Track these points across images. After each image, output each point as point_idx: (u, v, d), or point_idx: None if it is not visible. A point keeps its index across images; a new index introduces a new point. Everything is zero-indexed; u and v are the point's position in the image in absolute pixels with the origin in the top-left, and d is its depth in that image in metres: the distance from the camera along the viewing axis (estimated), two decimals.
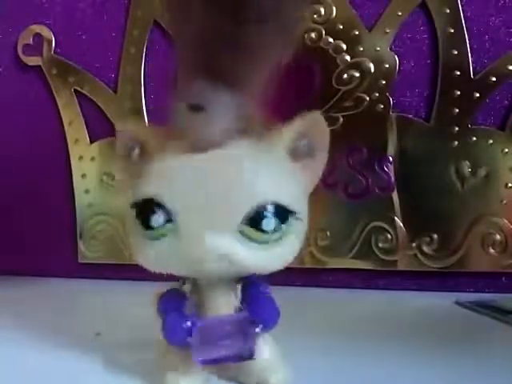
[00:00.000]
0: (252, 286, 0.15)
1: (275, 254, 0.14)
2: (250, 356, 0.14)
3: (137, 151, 0.15)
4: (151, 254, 0.14)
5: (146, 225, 0.13)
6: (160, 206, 0.13)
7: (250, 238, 0.13)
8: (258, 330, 0.14)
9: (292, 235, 0.14)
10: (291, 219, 0.14)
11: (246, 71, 0.12)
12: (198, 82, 0.12)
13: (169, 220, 0.13)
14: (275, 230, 0.13)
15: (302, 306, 0.27)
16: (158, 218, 0.13)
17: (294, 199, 0.14)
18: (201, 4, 0.12)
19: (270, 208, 0.13)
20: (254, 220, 0.13)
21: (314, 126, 0.15)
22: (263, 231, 0.13)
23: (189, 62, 0.13)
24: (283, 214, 0.13)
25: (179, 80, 0.13)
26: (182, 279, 0.15)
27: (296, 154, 0.15)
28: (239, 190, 0.13)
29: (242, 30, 0.12)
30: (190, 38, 0.13)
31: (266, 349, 0.15)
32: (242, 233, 0.13)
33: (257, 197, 0.13)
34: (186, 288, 0.15)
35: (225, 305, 0.15)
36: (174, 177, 0.13)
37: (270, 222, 0.13)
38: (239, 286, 0.15)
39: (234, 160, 0.13)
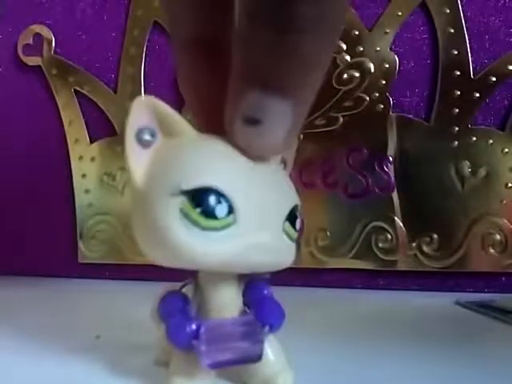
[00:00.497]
0: (255, 288, 0.15)
1: (293, 251, 0.14)
2: (258, 358, 0.14)
3: (154, 130, 0.14)
4: (204, 246, 0.12)
5: (211, 214, 0.12)
6: (223, 196, 0.12)
7: (289, 236, 0.14)
8: (265, 331, 0.14)
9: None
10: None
11: (298, 79, 0.12)
12: (253, 93, 0.12)
13: (230, 212, 0.13)
14: (297, 230, 0.14)
15: (302, 305, 0.27)
16: (222, 209, 0.12)
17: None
18: (244, 16, 0.12)
19: (298, 209, 0.14)
20: (292, 218, 0.14)
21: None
22: (296, 230, 0.14)
23: (239, 73, 0.13)
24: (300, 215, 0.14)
25: (230, 93, 0.13)
26: (184, 281, 0.15)
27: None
28: (283, 190, 0.14)
29: (289, 38, 0.11)
30: (239, 51, 0.12)
31: (270, 350, 0.15)
32: (284, 230, 0.14)
33: (293, 198, 0.14)
34: (187, 290, 0.15)
35: (228, 307, 0.14)
36: (231, 169, 0.13)
37: (298, 222, 0.14)
38: (242, 288, 0.15)
39: (268, 164, 0.14)
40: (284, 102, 0.12)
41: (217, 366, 0.14)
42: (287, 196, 0.14)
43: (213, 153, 0.13)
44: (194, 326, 0.14)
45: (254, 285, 0.15)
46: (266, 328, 0.14)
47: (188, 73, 0.15)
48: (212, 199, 0.12)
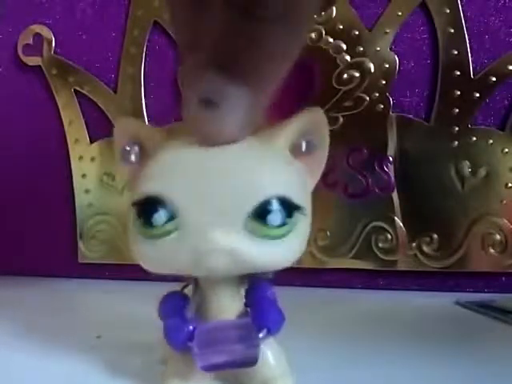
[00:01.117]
0: (256, 289, 0.15)
1: (282, 249, 0.13)
2: (253, 362, 0.13)
3: (136, 150, 0.15)
4: (153, 254, 0.13)
5: (148, 223, 0.13)
6: (162, 203, 0.13)
7: (257, 234, 0.13)
8: (261, 335, 0.14)
9: (298, 231, 0.13)
10: (297, 214, 0.13)
11: (260, 68, 0.12)
12: (211, 75, 0.12)
13: (171, 218, 0.13)
14: (281, 225, 0.13)
15: (302, 305, 0.27)
16: (160, 216, 0.13)
17: (298, 194, 0.13)
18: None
19: (276, 202, 0.13)
20: (260, 215, 0.13)
21: (314, 123, 0.14)
22: (269, 226, 0.13)
23: (201, 55, 0.12)
24: (289, 208, 0.13)
25: (190, 72, 0.13)
26: (184, 281, 0.15)
27: (297, 152, 0.14)
28: (244, 185, 0.13)
29: (258, 26, 0.11)
30: (200, 32, 0.12)
31: (271, 353, 0.14)
32: (247, 228, 0.13)
33: (262, 191, 0.13)
34: (188, 291, 0.15)
35: (228, 308, 0.14)
36: (175, 173, 0.13)
37: (275, 217, 0.13)
38: (243, 289, 0.15)
39: (237, 155, 0.13)
40: (243, 88, 0.12)
41: (211, 368, 0.13)
42: (251, 192, 0.13)
43: (162, 161, 0.13)
44: (190, 328, 0.14)
45: (255, 286, 0.15)
46: (264, 331, 0.14)
47: (180, 13, 0.15)
48: (149, 208, 0.13)
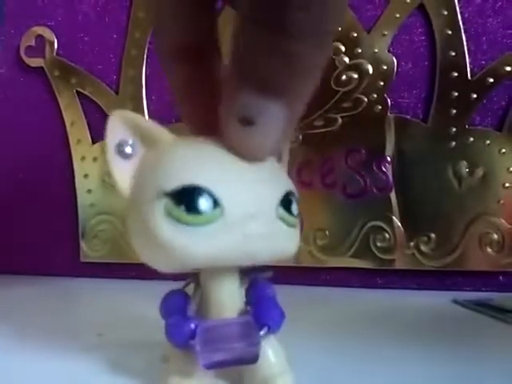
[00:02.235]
0: (256, 288, 0.15)
1: (296, 237, 0.14)
2: (254, 360, 0.13)
3: (135, 143, 0.15)
4: (196, 242, 0.13)
5: (194, 210, 0.13)
6: (205, 191, 0.13)
7: (285, 221, 0.14)
8: (262, 332, 0.14)
9: (298, 225, 0.15)
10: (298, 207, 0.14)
11: (293, 84, 0.12)
12: (247, 93, 0.12)
13: (215, 205, 0.13)
14: (297, 215, 0.14)
15: (301, 304, 0.27)
16: (206, 203, 0.13)
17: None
18: (247, 18, 0.12)
19: (293, 195, 0.14)
20: (286, 204, 0.14)
21: None
22: (292, 214, 0.14)
23: (236, 73, 0.13)
24: (297, 200, 0.14)
25: (225, 93, 0.13)
26: (186, 279, 0.15)
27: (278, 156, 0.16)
28: (272, 176, 0.14)
29: (288, 44, 0.12)
30: (238, 51, 0.12)
31: (271, 351, 0.14)
32: (278, 216, 0.14)
33: (285, 183, 0.14)
34: (189, 289, 0.15)
35: (229, 307, 0.14)
36: (212, 163, 0.13)
37: (295, 207, 0.14)
38: (244, 288, 0.15)
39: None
40: (279, 106, 0.12)
41: (213, 366, 0.14)
42: (277, 182, 0.14)
43: (191, 152, 0.14)
44: (191, 326, 0.14)
45: (256, 284, 0.15)
46: (264, 329, 0.14)
47: (176, 81, 0.15)
48: (194, 195, 0.13)
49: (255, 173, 0.14)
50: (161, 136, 0.14)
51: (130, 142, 0.15)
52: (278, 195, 0.14)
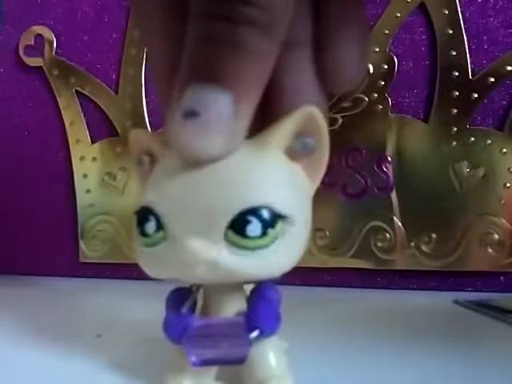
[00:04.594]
0: (258, 289, 0.15)
1: (265, 261, 0.13)
2: (241, 360, 0.13)
3: (146, 160, 0.15)
4: (148, 261, 0.14)
5: (142, 232, 0.13)
6: (153, 213, 0.13)
7: (237, 245, 0.12)
8: (253, 335, 0.13)
9: (285, 241, 0.13)
10: (282, 224, 0.13)
11: (240, 74, 0.12)
12: (192, 88, 0.12)
13: (159, 228, 0.13)
14: (261, 236, 0.12)
15: (301, 304, 0.27)
16: (150, 226, 0.13)
17: (287, 202, 0.13)
18: (192, 12, 0.12)
19: (254, 213, 0.12)
20: (238, 226, 0.12)
21: (310, 122, 0.14)
22: (248, 237, 0.12)
23: (182, 68, 0.12)
24: (272, 218, 0.12)
25: (172, 93, 0.12)
26: None
27: (293, 154, 0.14)
28: (223, 195, 0.12)
29: (233, 31, 0.11)
30: (174, 41, 0.12)
31: (272, 354, 0.14)
32: (228, 240, 0.12)
33: (241, 201, 0.12)
34: (195, 288, 0.15)
35: (228, 306, 0.14)
36: (162, 185, 0.13)
37: (254, 228, 0.12)
38: (249, 287, 0.15)
39: (220, 165, 0.13)
40: (223, 95, 0.12)
41: (202, 363, 0.14)
42: (231, 201, 0.12)
43: (155, 172, 0.14)
44: (185, 323, 0.14)
45: (259, 285, 0.15)
46: (256, 332, 0.13)
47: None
48: (142, 218, 0.13)
49: (205, 195, 0.12)
50: (159, 157, 0.15)
51: (145, 159, 0.15)
52: (226, 218, 0.12)
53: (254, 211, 0.12)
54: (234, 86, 0.12)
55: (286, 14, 0.12)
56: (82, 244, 0.39)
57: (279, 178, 0.13)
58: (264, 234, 0.12)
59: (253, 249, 0.12)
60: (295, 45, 0.14)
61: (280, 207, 0.12)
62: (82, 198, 0.39)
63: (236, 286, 0.14)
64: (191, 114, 0.12)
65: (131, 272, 0.37)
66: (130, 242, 0.38)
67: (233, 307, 0.14)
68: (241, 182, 0.12)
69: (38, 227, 0.41)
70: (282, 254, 0.13)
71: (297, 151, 0.14)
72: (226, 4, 0.11)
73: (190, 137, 0.12)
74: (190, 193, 0.13)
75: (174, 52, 0.14)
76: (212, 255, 0.12)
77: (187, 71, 0.12)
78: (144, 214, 0.13)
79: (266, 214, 0.12)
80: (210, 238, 0.12)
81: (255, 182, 0.13)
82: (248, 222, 0.12)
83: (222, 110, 0.12)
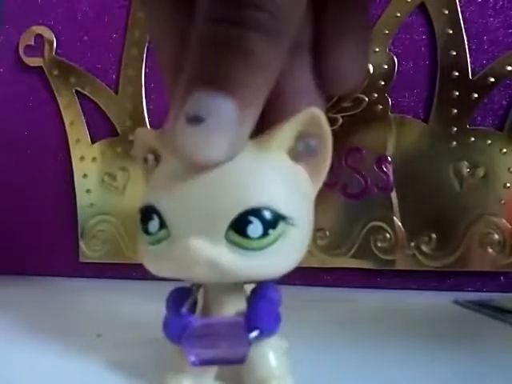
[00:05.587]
0: (259, 289, 0.14)
1: (266, 261, 0.13)
2: (240, 361, 0.13)
3: (151, 159, 0.15)
4: (151, 259, 0.14)
5: (146, 230, 0.13)
6: (156, 211, 0.13)
7: (238, 245, 0.12)
8: (252, 335, 0.13)
9: (286, 242, 0.13)
10: (283, 225, 0.13)
11: (244, 79, 0.12)
12: (196, 92, 0.12)
13: (162, 227, 0.13)
14: (263, 237, 0.12)
15: (301, 304, 0.27)
16: (153, 224, 0.13)
17: (288, 203, 0.13)
18: (198, 16, 0.12)
19: (255, 214, 0.12)
20: (240, 226, 0.12)
21: (312, 123, 0.14)
22: (249, 238, 0.12)
23: (186, 73, 0.12)
24: (273, 219, 0.12)
25: (176, 96, 0.12)
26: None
27: (296, 155, 0.14)
28: (223, 198, 0.12)
29: (238, 35, 0.11)
30: (180, 45, 0.12)
31: (272, 354, 0.14)
32: (229, 240, 0.12)
33: (243, 201, 0.12)
34: (195, 288, 0.15)
35: (228, 306, 0.14)
36: (167, 183, 0.13)
37: (255, 228, 0.12)
38: (250, 287, 0.15)
39: (222, 165, 0.13)
40: (227, 101, 0.12)
41: (200, 363, 0.14)
42: (232, 201, 0.12)
43: (158, 171, 0.14)
44: (183, 322, 0.14)
45: (260, 285, 0.15)
46: (256, 332, 0.13)
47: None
48: (146, 216, 0.13)
49: (207, 195, 0.12)
50: (162, 155, 0.15)
51: (150, 157, 0.15)
52: (227, 219, 0.12)
53: (255, 212, 0.12)
54: (239, 92, 0.12)
55: (295, 20, 0.12)
56: (81, 244, 0.39)
57: (281, 179, 0.13)
58: (265, 234, 0.12)
59: (254, 249, 0.12)
60: (295, 46, 0.14)
61: (281, 208, 0.13)
62: (81, 198, 0.39)
63: (236, 286, 0.14)
64: (196, 120, 0.12)
65: (131, 272, 0.37)
66: (130, 242, 0.38)
67: (233, 307, 0.14)
68: (243, 182, 0.13)
69: (38, 227, 0.41)
70: (283, 254, 0.13)
71: (299, 152, 0.14)
72: (234, 8, 0.11)
73: (194, 142, 0.12)
74: (192, 193, 0.13)
75: (180, 49, 0.14)
76: (213, 255, 0.12)
77: (192, 75, 0.12)
78: (147, 212, 0.13)
79: (267, 214, 0.12)
80: (211, 237, 0.12)
81: (257, 182, 0.13)
82: (249, 222, 0.12)
83: (226, 117, 0.12)
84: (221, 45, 0.11)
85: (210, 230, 0.12)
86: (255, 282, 0.15)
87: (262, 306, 0.14)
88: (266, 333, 0.14)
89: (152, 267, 0.14)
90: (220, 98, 0.12)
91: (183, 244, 0.12)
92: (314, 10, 0.15)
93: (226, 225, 0.12)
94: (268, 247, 0.13)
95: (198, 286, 0.15)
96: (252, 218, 0.12)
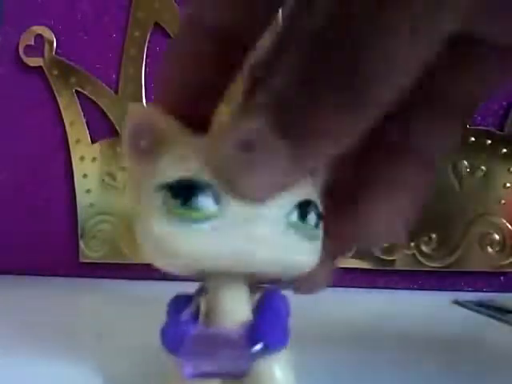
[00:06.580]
0: (265, 299, 0.14)
1: (312, 252, 0.13)
2: (240, 374, 0.13)
3: (148, 136, 0.13)
4: (186, 239, 0.12)
5: (189, 205, 0.12)
6: (206, 187, 0.12)
7: (297, 232, 0.12)
8: (256, 348, 0.12)
9: (319, 239, 0.13)
10: (321, 223, 0.13)
11: (307, 130, 0.11)
12: (256, 120, 0.11)
13: (215, 203, 0.12)
14: (315, 227, 0.13)
15: (301, 304, 0.27)
16: (206, 199, 0.12)
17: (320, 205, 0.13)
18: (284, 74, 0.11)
19: (313, 204, 0.13)
20: (301, 213, 0.12)
21: None
22: (307, 226, 0.13)
23: (253, 98, 0.11)
24: (319, 214, 0.13)
25: (235, 112, 0.12)
26: (184, 280, 0.15)
27: None
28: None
29: (322, 99, 0.10)
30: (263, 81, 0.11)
31: (278, 367, 0.13)
32: (289, 225, 0.12)
33: (303, 191, 0.13)
34: (197, 295, 0.14)
35: (233, 316, 0.13)
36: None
37: (312, 217, 0.13)
38: (255, 297, 0.14)
39: None
40: (284, 140, 0.11)
41: (196, 375, 0.13)
42: (296, 187, 0.12)
43: (196, 146, 0.13)
44: (182, 330, 0.13)
45: (267, 295, 0.14)
46: (260, 345, 0.13)
47: (199, 63, 0.13)
48: (192, 190, 0.12)
49: None
50: (172, 131, 0.13)
51: (145, 136, 0.13)
52: (291, 203, 0.12)
53: (312, 203, 0.13)
54: (296, 139, 0.11)
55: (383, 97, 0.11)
56: (81, 244, 0.39)
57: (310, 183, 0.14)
58: (317, 226, 0.13)
59: (309, 238, 0.13)
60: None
61: (320, 209, 0.13)
62: (81, 198, 0.39)
63: (244, 295, 0.14)
64: (246, 146, 0.11)
65: (131, 272, 0.37)
66: (129, 242, 0.38)
67: (237, 317, 0.13)
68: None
69: (38, 227, 0.41)
70: (317, 250, 0.13)
71: None
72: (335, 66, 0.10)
73: (238, 167, 0.11)
74: None
75: (228, 8, 0.12)
76: (274, 239, 0.12)
77: (259, 104, 0.11)
78: (193, 187, 0.12)
79: (316, 209, 0.13)
80: (271, 222, 0.12)
81: (306, 181, 0.13)
82: (309, 211, 0.13)
83: (276, 155, 0.11)
84: (307, 99, 0.10)
85: (271, 215, 0.12)
86: (262, 288, 0.14)
87: (267, 318, 0.13)
88: (271, 346, 0.13)
89: (193, 245, 0.12)
90: (277, 134, 0.11)
91: (241, 227, 0.12)
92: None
93: (288, 210, 0.12)
94: (316, 238, 0.13)
95: (201, 292, 0.14)
96: (310, 208, 0.13)
